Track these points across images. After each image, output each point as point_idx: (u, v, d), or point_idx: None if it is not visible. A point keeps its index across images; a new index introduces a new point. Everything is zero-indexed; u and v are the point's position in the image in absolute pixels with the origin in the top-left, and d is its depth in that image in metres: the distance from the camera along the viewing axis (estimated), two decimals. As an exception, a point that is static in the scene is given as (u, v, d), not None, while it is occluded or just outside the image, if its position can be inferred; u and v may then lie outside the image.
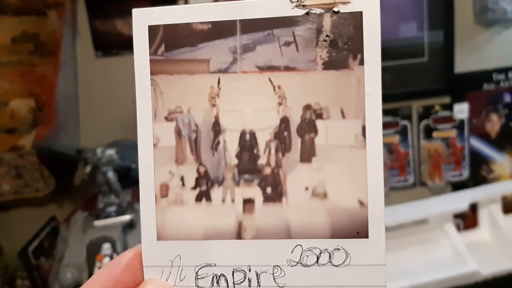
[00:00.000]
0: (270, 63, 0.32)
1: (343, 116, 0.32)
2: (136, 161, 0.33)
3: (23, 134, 1.02)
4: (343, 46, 0.31)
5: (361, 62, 0.31)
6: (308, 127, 0.32)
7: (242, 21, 0.32)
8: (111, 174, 0.96)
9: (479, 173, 1.09)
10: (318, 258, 0.32)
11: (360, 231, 0.32)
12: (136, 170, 0.34)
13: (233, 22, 0.32)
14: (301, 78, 0.32)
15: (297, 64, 0.32)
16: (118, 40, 1.05)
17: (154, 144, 0.33)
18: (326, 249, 0.32)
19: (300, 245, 0.32)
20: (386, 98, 1.00)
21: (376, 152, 0.31)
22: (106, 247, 0.88)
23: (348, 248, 0.32)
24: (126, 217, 0.94)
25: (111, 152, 0.96)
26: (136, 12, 0.33)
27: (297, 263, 0.32)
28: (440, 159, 1.05)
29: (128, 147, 0.98)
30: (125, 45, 1.06)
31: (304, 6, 0.31)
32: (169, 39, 0.32)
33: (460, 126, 1.05)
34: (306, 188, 0.32)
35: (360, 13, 0.31)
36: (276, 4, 0.31)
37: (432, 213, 0.97)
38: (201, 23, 0.32)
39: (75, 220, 0.96)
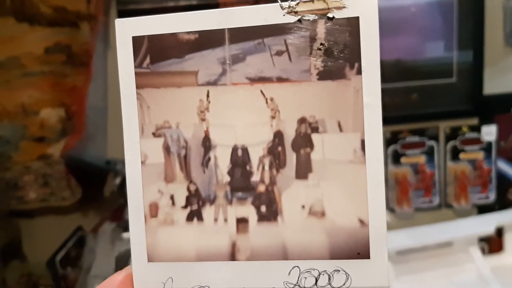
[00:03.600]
0: (261, 74, 0.30)
1: (341, 130, 0.30)
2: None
3: (52, 143, 1.03)
4: (339, 55, 0.29)
5: (359, 72, 0.29)
6: (303, 142, 0.30)
7: (230, 29, 0.30)
8: (140, 187, 0.96)
9: (505, 196, 1.07)
10: (317, 280, 0.30)
11: (361, 252, 0.29)
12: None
13: (221, 31, 0.30)
14: (295, 90, 0.30)
15: (290, 75, 0.30)
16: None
17: (142, 162, 0.31)
18: (325, 271, 0.30)
19: (297, 266, 0.30)
20: (413, 118, 0.99)
21: (376, 168, 0.29)
22: (135, 260, 0.88)
23: (348, 270, 0.30)
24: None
25: (141, 165, 0.96)
26: (119, 22, 0.31)
27: (295, 285, 0.30)
28: (467, 181, 1.04)
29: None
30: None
31: (296, 12, 0.29)
32: (154, 51, 0.31)
33: (487, 148, 1.04)
34: (303, 206, 0.30)
35: (357, 18, 0.29)
36: (266, 11, 0.29)
37: (457, 236, 0.95)
38: (188, 32, 0.30)
39: (102, 231, 0.95)
